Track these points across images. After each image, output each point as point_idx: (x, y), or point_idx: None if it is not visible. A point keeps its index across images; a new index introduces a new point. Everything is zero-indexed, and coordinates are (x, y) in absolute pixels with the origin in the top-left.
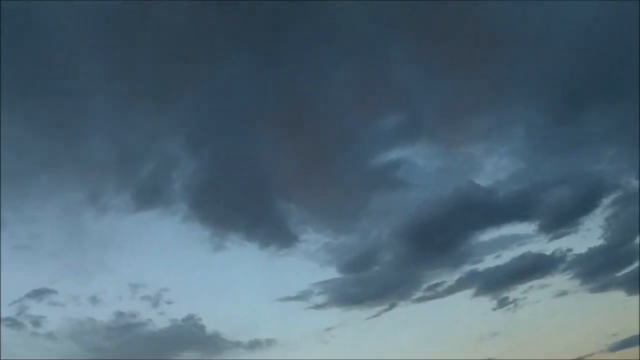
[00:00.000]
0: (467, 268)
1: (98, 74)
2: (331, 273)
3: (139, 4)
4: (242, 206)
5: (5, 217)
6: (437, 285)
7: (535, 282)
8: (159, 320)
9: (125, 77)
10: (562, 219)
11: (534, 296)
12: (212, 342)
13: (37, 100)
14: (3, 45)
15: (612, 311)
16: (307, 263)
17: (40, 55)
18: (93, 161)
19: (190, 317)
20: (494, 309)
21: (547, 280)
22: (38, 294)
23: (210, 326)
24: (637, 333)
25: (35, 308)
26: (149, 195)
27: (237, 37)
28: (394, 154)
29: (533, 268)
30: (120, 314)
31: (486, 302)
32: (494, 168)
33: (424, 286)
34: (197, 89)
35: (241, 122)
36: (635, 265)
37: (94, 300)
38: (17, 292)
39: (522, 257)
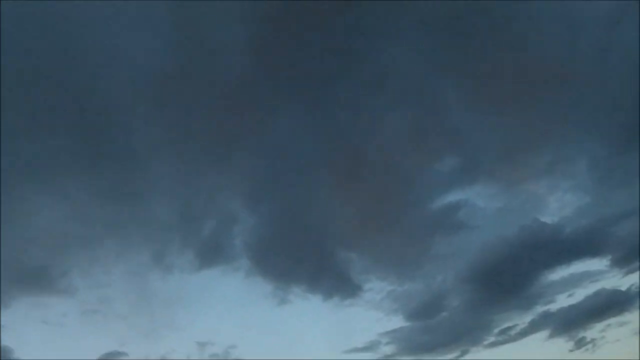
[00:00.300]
0: (540, 309)
1: (157, 138)
2: (398, 322)
3: (193, 66)
4: (304, 258)
5: (75, 282)
6: (509, 328)
7: (612, 320)
8: None
9: (183, 138)
10: (635, 252)
11: (612, 335)
12: None
13: (101, 167)
14: (68, 119)
15: None
16: (373, 312)
17: (103, 121)
18: (156, 223)
19: None
20: (571, 350)
21: (626, 317)
22: (110, 356)
23: None
24: None
25: None
26: (212, 253)
27: (289, 91)
28: (453, 197)
29: (609, 305)
30: None
31: (562, 344)
32: (558, 204)
33: (496, 330)
34: (253, 145)
35: (297, 175)
36: None
37: None
38: (90, 356)
39: (596, 294)
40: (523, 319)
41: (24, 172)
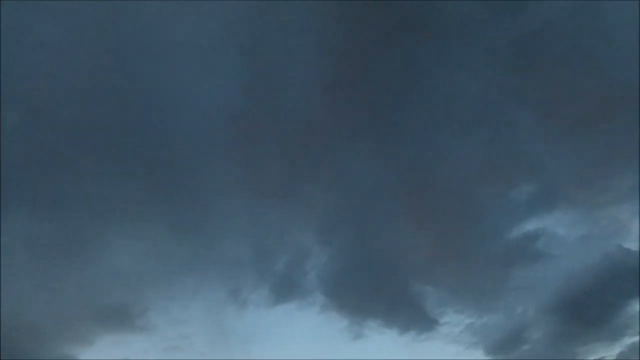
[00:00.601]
0: (628, 340)
1: (229, 176)
2: (478, 355)
3: (263, 105)
4: (378, 292)
5: (155, 320)
6: None
7: None
8: None
9: (254, 176)
10: None
11: None
12: None
13: (176, 207)
14: (143, 162)
15: None
16: (451, 346)
17: (177, 162)
18: (231, 259)
19: None
20: None
21: None
22: None
23: None
24: None
25: None
26: (286, 288)
27: (358, 124)
28: (530, 225)
29: None
30: None
31: None
32: None
33: None
34: (323, 179)
35: (369, 207)
36: None
37: None
38: None
39: None
40: (611, 351)
41: (103, 214)
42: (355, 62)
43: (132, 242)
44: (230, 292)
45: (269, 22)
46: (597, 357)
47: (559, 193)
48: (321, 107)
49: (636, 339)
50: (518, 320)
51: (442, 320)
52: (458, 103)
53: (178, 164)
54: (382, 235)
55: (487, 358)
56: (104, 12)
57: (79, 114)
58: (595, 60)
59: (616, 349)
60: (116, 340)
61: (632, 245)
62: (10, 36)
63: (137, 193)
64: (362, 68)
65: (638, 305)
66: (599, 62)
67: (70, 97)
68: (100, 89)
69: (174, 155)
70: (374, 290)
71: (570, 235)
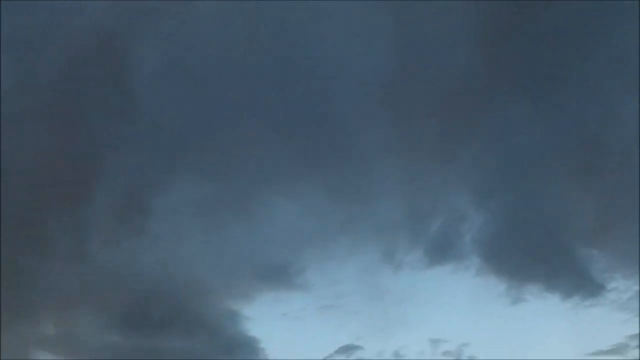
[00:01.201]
0: None
1: (383, 138)
2: None
3: (416, 65)
4: (539, 256)
5: (312, 279)
6: None
7: None
8: None
9: (408, 137)
10: None
11: None
12: None
13: (331, 169)
14: (301, 125)
15: None
16: (619, 314)
17: (333, 126)
18: (385, 221)
19: None
20: None
21: None
22: (346, 349)
23: None
24: None
25: None
26: (441, 251)
27: (516, 81)
28: None
29: None
30: None
31: None
32: None
33: None
34: (481, 139)
35: (530, 167)
36: None
37: (397, 355)
38: (327, 349)
39: None
40: None
41: (264, 177)
42: (515, 15)
43: (290, 204)
44: (384, 254)
45: None
46: None
47: None
48: (479, 66)
49: None
50: None
51: (609, 286)
52: (630, 57)
53: (334, 127)
54: (544, 197)
55: None
56: None
57: (241, 81)
58: None
59: None
60: (276, 297)
61: None
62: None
63: (296, 156)
64: (523, 21)
65: None
66: None
67: (233, 66)
68: (263, 58)
69: (331, 119)
70: (535, 253)
71: None
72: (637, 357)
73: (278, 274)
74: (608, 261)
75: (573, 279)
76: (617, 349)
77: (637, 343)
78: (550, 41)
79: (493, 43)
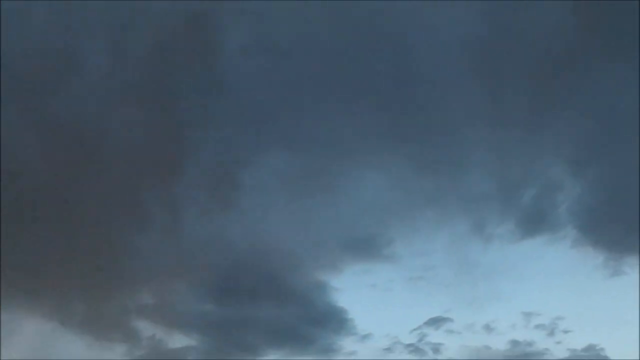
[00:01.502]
0: None
1: (472, 108)
2: None
3: (505, 31)
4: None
5: (400, 250)
6: None
7: None
8: (556, 349)
9: (498, 106)
10: None
11: None
12: None
13: (418, 140)
14: (385, 96)
15: None
16: None
17: (419, 95)
18: (474, 192)
19: (590, 347)
20: None
21: None
22: (435, 322)
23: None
24: None
25: (434, 335)
26: (533, 222)
27: (615, 46)
28: None
29: None
30: (515, 343)
31: None
32: None
33: None
34: (577, 106)
35: (630, 135)
36: None
37: (487, 328)
38: (416, 321)
39: None
40: None
41: (351, 149)
42: None
43: (378, 175)
44: (474, 226)
45: None
46: None
47: None
48: (573, 29)
49: None
50: None
51: None
52: None
53: (421, 97)
54: None
55: None
56: None
57: (327, 54)
58: None
59: None
60: (364, 268)
61: None
62: None
63: (383, 127)
64: None
65: None
66: None
67: (319, 39)
68: (349, 30)
69: (418, 88)
70: (634, 224)
71: None
72: None
73: (366, 246)
74: None
75: None
76: None
77: None
78: None
79: (587, 5)
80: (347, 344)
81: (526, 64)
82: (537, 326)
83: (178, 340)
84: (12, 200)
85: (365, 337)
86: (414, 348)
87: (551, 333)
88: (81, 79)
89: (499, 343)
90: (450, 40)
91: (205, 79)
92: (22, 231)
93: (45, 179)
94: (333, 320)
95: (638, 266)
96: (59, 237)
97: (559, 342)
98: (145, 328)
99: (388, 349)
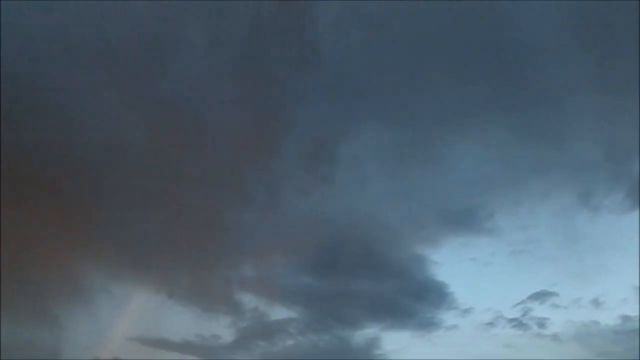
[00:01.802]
0: None
1: (578, 73)
2: None
3: None
4: None
5: (501, 223)
6: None
7: None
8: None
9: (607, 70)
10: None
11: None
12: None
13: (520, 109)
14: (483, 66)
15: None
16: None
17: (519, 64)
18: (580, 163)
19: None
20: None
21: None
22: (539, 296)
23: None
24: None
25: (538, 310)
26: None
27: None
28: None
29: None
30: (626, 318)
31: None
32: None
33: None
34: None
35: None
36: None
37: (595, 303)
38: (519, 295)
39: None
40: None
41: (450, 120)
42: None
43: (477, 147)
44: (580, 197)
45: None
46: None
47: None
48: None
49: None
50: None
51: None
52: None
53: (522, 64)
54: None
55: None
56: None
57: (424, 24)
58: None
59: None
60: (463, 242)
61: None
62: None
63: (483, 97)
64: None
65: None
66: None
67: (415, 10)
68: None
69: (519, 56)
70: None
71: None
72: None
73: (465, 219)
74: None
75: None
76: None
77: None
78: None
79: None
80: (447, 317)
81: (636, 23)
82: None
83: (279, 313)
84: (119, 181)
85: (466, 311)
86: (517, 322)
87: None
88: (181, 61)
89: (608, 318)
90: (554, 9)
91: (301, 53)
92: (131, 210)
93: (151, 160)
94: (433, 294)
95: None
96: (165, 214)
97: None
98: (249, 300)
99: (490, 324)
